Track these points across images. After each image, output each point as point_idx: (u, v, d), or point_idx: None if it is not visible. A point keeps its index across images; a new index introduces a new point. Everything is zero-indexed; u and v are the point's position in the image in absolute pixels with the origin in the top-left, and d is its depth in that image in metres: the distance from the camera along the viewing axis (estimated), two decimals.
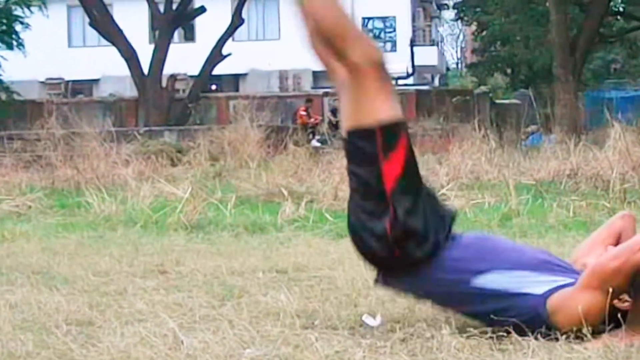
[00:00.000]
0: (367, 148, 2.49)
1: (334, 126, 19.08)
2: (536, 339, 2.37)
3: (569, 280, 2.50)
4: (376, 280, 2.65)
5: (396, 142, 2.48)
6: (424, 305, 2.86)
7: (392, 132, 2.48)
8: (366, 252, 2.56)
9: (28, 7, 22.75)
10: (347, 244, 4.62)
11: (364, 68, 2.48)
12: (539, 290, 2.49)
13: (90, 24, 22.20)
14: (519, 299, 2.48)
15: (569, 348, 2.27)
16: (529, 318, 2.44)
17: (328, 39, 2.54)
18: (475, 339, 2.39)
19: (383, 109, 2.48)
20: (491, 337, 2.41)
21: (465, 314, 2.59)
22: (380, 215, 2.47)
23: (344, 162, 3.00)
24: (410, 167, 2.53)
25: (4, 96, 22.70)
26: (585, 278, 2.45)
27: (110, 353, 2.28)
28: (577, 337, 2.37)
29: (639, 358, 2.18)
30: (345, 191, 6.74)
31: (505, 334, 2.44)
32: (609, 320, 2.41)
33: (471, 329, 2.51)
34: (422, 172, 8.70)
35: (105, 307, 2.99)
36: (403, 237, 2.46)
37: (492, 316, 2.45)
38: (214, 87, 27.55)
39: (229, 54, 21.97)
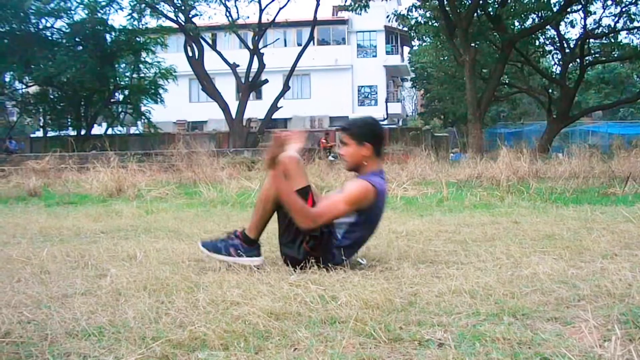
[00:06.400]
0: None
1: None
2: (457, 270, 2.36)
3: None
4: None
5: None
6: (393, 250, 2.86)
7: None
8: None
9: (167, 79, 23.48)
10: None
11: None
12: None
13: (202, 89, 22.28)
14: None
15: (481, 273, 2.25)
16: None
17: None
18: (423, 270, 2.39)
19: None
20: (432, 270, 2.41)
21: None
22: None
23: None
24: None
25: (152, 130, 23.06)
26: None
27: (214, 278, 2.29)
28: (479, 270, 2.35)
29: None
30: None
31: (442, 268, 2.43)
32: None
33: (420, 265, 2.50)
34: (391, 175, 8.43)
35: None
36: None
37: None
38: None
39: (281, 107, 21.88)
